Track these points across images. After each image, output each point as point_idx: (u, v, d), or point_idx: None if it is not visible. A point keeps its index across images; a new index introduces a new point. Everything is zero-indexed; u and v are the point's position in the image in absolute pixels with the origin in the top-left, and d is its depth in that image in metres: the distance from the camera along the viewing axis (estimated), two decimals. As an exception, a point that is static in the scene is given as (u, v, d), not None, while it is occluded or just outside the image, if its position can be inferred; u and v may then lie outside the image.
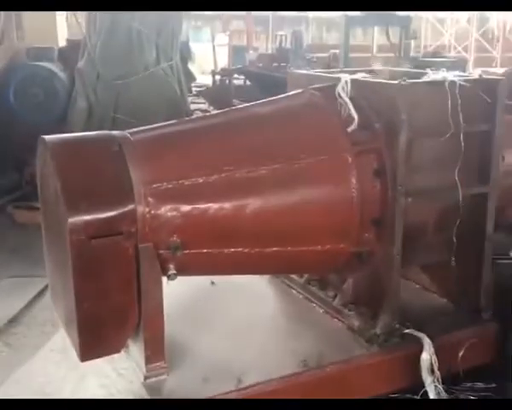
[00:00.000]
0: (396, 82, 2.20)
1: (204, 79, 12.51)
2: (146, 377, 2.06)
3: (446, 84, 2.30)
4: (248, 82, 11.23)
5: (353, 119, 2.25)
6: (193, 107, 8.00)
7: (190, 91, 8.66)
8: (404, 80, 2.18)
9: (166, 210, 2.00)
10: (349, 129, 2.25)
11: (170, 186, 2.01)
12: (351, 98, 2.31)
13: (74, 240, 1.86)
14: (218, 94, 9.99)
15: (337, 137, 2.27)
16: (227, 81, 10.74)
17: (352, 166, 2.23)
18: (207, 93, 10.57)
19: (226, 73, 11.35)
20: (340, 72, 2.69)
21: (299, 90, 2.48)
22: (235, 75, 11.36)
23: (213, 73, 11.65)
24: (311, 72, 2.85)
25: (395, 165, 2.22)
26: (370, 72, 2.66)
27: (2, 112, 5.69)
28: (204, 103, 10.27)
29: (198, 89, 10.94)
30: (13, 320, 3.52)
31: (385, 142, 2.24)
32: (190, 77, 7.24)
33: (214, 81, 11.22)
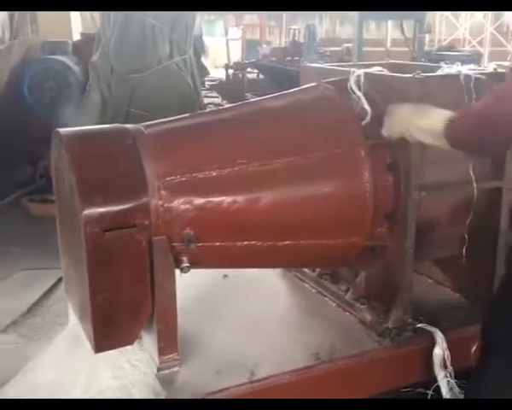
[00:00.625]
0: (410, 75, 2.19)
1: (217, 73, 12.52)
2: (159, 369, 2.08)
3: (461, 77, 2.29)
4: (261, 76, 11.22)
5: (367, 112, 2.25)
6: (206, 101, 8.00)
7: (204, 85, 8.67)
8: (418, 74, 2.17)
9: (180, 203, 2.01)
10: (362, 123, 2.25)
11: (183, 179, 2.02)
12: (364, 92, 2.30)
13: (89, 232, 1.87)
14: (231, 88, 10.00)
15: (350, 131, 2.27)
16: (240, 75, 10.74)
17: (365, 160, 2.23)
18: (220, 87, 10.58)
19: (239, 66, 11.35)
20: (354, 65, 2.68)
21: (313, 84, 2.48)
22: (249, 69, 11.36)
23: (226, 67, 11.65)
24: (325, 65, 2.84)
25: (408, 159, 2.21)
26: (384, 65, 2.65)
27: (16, 106, 5.73)
28: (217, 97, 10.28)
29: (211, 83, 10.95)
30: (28, 312, 3.55)
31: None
32: (204, 71, 7.24)
33: (227, 75, 11.22)
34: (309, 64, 2.92)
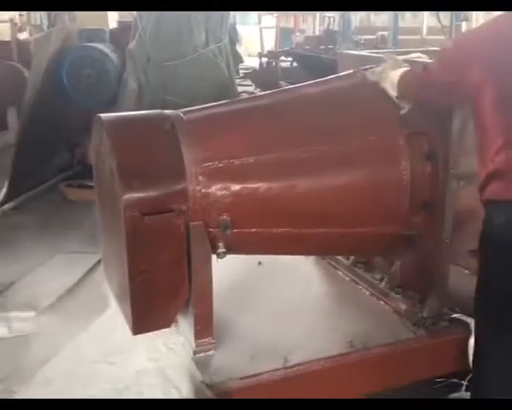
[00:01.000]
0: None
1: (250, 62, 12.50)
2: (195, 352, 2.11)
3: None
4: (295, 64, 11.15)
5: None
6: (239, 89, 8.01)
7: (238, 73, 8.67)
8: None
9: (217, 189, 2.03)
10: (401, 111, 2.23)
11: (221, 165, 2.04)
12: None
13: (128, 216, 1.91)
14: (264, 76, 9.96)
15: (388, 119, 2.25)
16: (274, 63, 10.68)
17: (403, 149, 2.21)
18: (254, 75, 10.55)
19: (273, 55, 11.29)
20: (392, 52, 2.66)
21: (351, 71, 2.46)
22: (282, 57, 11.30)
23: (260, 56, 11.61)
24: (363, 52, 2.82)
25: (447, 147, 2.19)
26: (423, 53, 2.61)
27: (55, 93, 5.83)
28: (250, 85, 10.27)
29: (245, 71, 10.94)
30: (66, 295, 3.63)
31: (437, 124, 2.21)
32: (238, 59, 7.25)
33: (261, 63, 11.18)
34: (346, 51, 2.90)
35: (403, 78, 2.20)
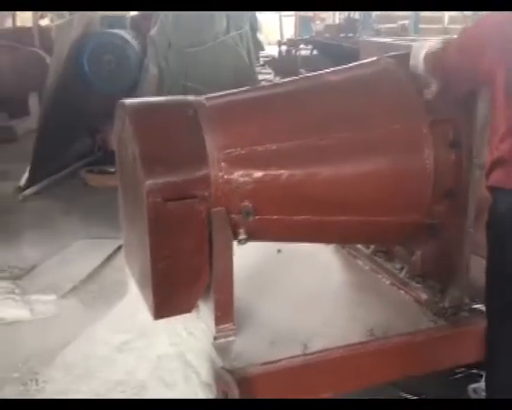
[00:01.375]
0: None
1: (270, 50, 12.45)
2: (215, 338, 2.12)
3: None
4: (315, 52, 11.08)
5: (429, 88, 2.20)
6: (259, 77, 7.99)
7: (258, 61, 8.65)
8: (485, 49, 2.11)
9: (239, 175, 2.03)
10: (425, 98, 2.21)
11: (243, 152, 2.04)
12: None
13: (151, 202, 1.91)
14: (284, 64, 9.93)
15: (412, 107, 2.23)
16: (293, 51, 10.64)
17: (427, 137, 2.19)
18: (274, 63, 10.52)
19: (292, 43, 11.24)
20: (415, 40, 2.63)
21: (373, 58, 2.44)
22: (302, 45, 11.23)
23: (279, 44, 11.56)
24: (386, 39, 2.79)
25: (472, 136, 2.16)
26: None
27: (76, 79, 5.86)
28: (270, 74, 10.24)
29: (264, 59, 10.91)
30: (87, 279, 3.67)
31: (462, 112, 2.19)
32: (259, 46, 7.23)
33: (280, 51, 11.14)
34: (369, 38, 2.87)
35: (429, 54, 2.18)
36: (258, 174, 2.05)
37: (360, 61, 2.54)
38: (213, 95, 2.20)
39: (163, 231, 1.96)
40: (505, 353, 1.96)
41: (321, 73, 2.42)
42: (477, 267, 2.54)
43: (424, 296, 2.38)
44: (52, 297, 3.43)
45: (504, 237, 1.90)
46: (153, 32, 5.74)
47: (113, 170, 5.27)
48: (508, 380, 1.96)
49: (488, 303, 2.06)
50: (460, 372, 2.53)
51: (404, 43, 2.57)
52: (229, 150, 2.03)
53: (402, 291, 2.49)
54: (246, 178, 2.04)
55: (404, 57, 2.33)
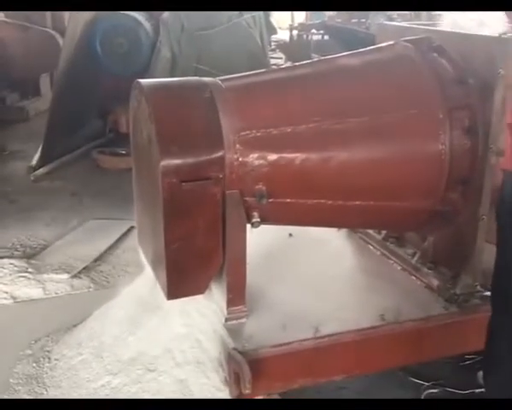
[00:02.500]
0: (495, 35, 2.11)
1: (281, 34, 12.35)
2: (227, 320, 2.13)
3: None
4: (327, 37, 10.98)
5: (446, 73, 2.19)
6: (271, 62, 7.95)
7: (270, 45, 8.59)
8: (505, 34, 2.09)
9: (254, 158, 2.03)
10: (441, 84, 2.19)
11: (258, 134, 2.03)
12: (444, 51, 2.24)
13: (166, 183, 1.92)
14: (296, 49, 9.85)
15: (429, 92, 2.21)
16: (305, 36, 10.54)
17: (443, 123, 2.17)
18: (286, 47, 10.44)
19: (304, 27, 11.13)
20: (433, 24, 2.61)
21: (390, 42, 2.42)
22: (313, 30, 11.12)
23: (291, 28, 11.45)
24: (402, 23, 2.76)
25: (488, 123, 2.15)
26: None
27: (89, 61, 5.86)
28: (281, 58, 10.17)
29: (276, 43, 10.83)
30: (98, 259, 3.69)
31: (479, 98, 2.17)
32: (272, 30, 7.18)
33: (291, 36, 11.04)
34: (386, 22, 2.85)
35: None
36: (273, 157, 2.05)
37: (377, 45, 2.52)
38: (229, 76, 2.19)
39: (177, 212, 1.97)
40: (506, 340, 1.95)
41: (337, 57, 2.41)
42: (489, 254, 2.55)
43: (436, 283, 2.38)
44: (64, 276, 3.46)
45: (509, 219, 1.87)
46: (165, 14, 5.71)
47: (124, 152, 5.30)
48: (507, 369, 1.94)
49: (493, 289, 2.04)
50: (470, 359, 2.53)
51: (420, 27, 2.55)
52: (244, 133, 2.02)
53: (413, 277, 2.49)
54: (260, 161, 2.04)
55: (421, 41, 2.32)
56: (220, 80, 2.13)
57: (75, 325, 2.89)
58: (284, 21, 14.99)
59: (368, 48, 2.45)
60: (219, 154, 1.98)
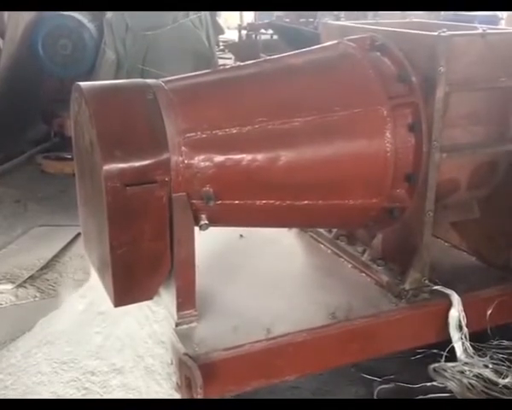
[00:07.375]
0: (435, 33, 2.14)
1: (230, 34, 12.32)
2: (177, 324, 2.10)
3: (486, 36, 2.24)
4: (275, 37, 11.03)
5: (389, 71, 2.21)
6: (219, 62, 7.91)
7: (218, 45, 8.56)
8: (444, 31, 2.13)
9: (200, 160, 2.00)
10: (385, 82, 2.21)
11: (204, 136, 2.01)
12: (387, 50, 2.26)
13: (109, 187, 1.87)
14: (245, 49, 9.85)
15: (373, 90, 2.23)
16: (254, 36, 10.55)
17: (387, 120, 2.20)
18: (234, 47, 10.43)
19: (253, 27, 11.14)
20: (376, 24, 2.64)
21: (334, 42, 2.43)
22: (262, 30, 11.15)
23: (240, 28, 11.45)
24: (346, 23, 2.78)
25: (431, 119, 2.18)
26: (407, 24, 2.60)
27: (30, 63, 5.69)
28: (230, 58, 10.15)
29: (224, 43, 10.81)
30: (44, 267, 3.58)
31: (421, 95, 2.20)
32: (219, 30, 7.15)
33: (240, 36, 11.03)
34: (330, 22, 2.87)
35: None
36: (219, 159, 2.02)
37: (321, 45, 2.53)
38: (172, 78, 2.15)
39: (122, 216, 1.92)
40: None
41: (282, 57, 2.40)
42: (436, 250, 2.60)
43: (385, 279, 2.40)
44: (8, 287, 3.34)
45: None
46: (109, 14, 5.60)
47: (70, 156, 5.15)
48: None
49: None
50: (421, 353, 2.56)
51: (364, 26, 2.57)
52: (189, 134, 1.99)
53: (364, 274, 2.52)
54: (207, 163, 2.01)
55: (364, 40, 2.34)
56: (164, 81, 2.09)
57: (21, 335, 2.79)
58: (233, 21, 14.99)
59: (312, 47, 2.46)
60: (164, 156, 1.95)
